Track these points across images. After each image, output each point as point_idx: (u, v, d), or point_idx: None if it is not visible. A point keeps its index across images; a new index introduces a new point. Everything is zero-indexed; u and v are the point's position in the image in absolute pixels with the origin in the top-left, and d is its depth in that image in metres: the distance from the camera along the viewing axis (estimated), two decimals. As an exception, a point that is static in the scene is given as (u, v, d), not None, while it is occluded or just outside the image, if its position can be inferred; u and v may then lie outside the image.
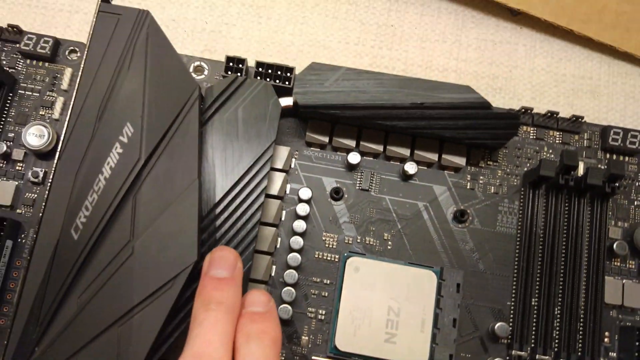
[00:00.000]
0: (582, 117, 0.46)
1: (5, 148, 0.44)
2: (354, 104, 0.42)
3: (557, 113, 0.46)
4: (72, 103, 0.38)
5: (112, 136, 0.37)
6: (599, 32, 0.50)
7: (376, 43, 0.52)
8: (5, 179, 0.44)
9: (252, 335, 0.30)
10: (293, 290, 0.41)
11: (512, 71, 0.51)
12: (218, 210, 0.38)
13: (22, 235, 0.43)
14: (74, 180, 0.36)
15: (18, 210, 0.43)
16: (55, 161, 0.37)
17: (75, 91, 0.39)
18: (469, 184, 0.45)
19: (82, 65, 0.39)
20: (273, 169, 0.43)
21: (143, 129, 0.37)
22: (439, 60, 0.51)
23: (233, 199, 0.39)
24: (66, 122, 0.38)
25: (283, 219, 0.43)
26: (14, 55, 0.47)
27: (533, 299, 0.42)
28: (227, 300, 0.31)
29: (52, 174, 0.37)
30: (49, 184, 0.37)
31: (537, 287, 0.42)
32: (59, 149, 0.37)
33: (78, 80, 0.39)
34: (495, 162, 0.46)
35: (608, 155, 0.46)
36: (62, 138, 0.38)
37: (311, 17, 0.52)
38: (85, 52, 0.40)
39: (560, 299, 0.42)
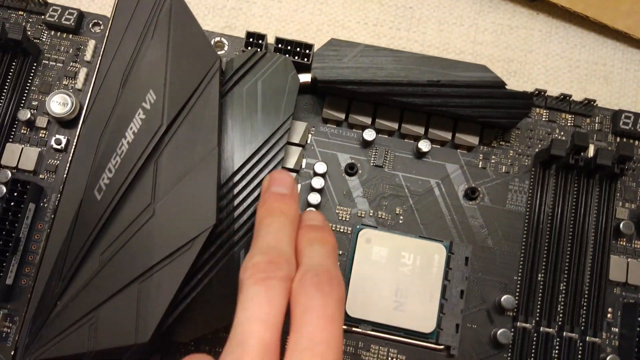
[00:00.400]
0: (594, 101, 0.46)
1: (29, 115, 0.44)
2: (372, 80, 0.42)
3: (570, 96, 0.46)
4: (96, 69, 0.39)
5: (135, 102, 0.38)
6: (614, 19, 0.50)
7: (394, 24, 0.52)
8: (29, 145, 0.45)
9: (314, 240, 0.31)
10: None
11: (527, 55, 0.51)
12: (236, 179, 0.39)
13: (45, 200, 0.44)
14: (97, 143, 0.37)
15: (41, 176, 0.44)
16: (80, 124, 0.38)
17: (100, 58, 0.39)
18: (481, 162, 0.45)
19: (107, 33, 0.40)
20: (290, 143, 0.44)
21: (165, 96, 0.38)
22: (456, 42, 0.51)
23: (251, 168, 0.39)
24: (91, 87, 0.39)
25: (299, 191, 0.44)
26: (39, 27, 0.47)
27: (539, 274, 0.42)
28: (289, 211, 0.32)
29: (76, 136, 0.37)
30: (73, 147, 0.37)
31: (543, 263, 0.42)
32: (84, 112, 0.38)
33: (102, 47, 0.40)
34: (508, 142, 0.46)
35: (618, 139, 0.46)
36: (87, 102, 0.38)
37: (330, -3, 0.52)
38: (110, 22, 0.40)
39: (565, 275, 0.42)
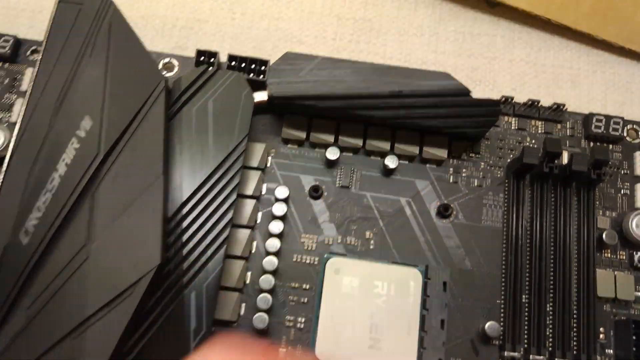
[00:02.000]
0: (564, 105, 0.41)
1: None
2: (331, 94, 0.36)
3: (538, 102, 0.41)
4: (27, 96, 0.33)
5: (69, 130, 0.32)
6: (576, 20, 0.45)
7: (354, 37, 0.46)
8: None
9: None
10: (269, 297, 0.35)
11: (491, 63, 0.46)
12: (185, 210, 0.33)
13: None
14: (26, 179, 0.30)
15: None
16: (7, 159, 0.31)
17: (31, 84, 0.33)
18: (451, 177, 0.40)
19: (39, 57, 0.34)
20: (248, 168, 0.38)
21: (102, 122, 0.32)
22: (417, 53, 0.46)
23: (202, 197, 0.33)
24: (20, 117, 0.32)
25: (259, 220, 0.38)
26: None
27: (524, 296, 0.37)
28: None
29: (2, 174, 0.31)
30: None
31: (527, 283, 0.37)
32: (10, 146, 0.31)
33: (34, 72, 0.33)
34: (478, 154, 0.40)
35: (592, 144, 0.41)
36: (14, 134, 0.32)
37: (287, 12, 0.47)
38: (44, 43, 0.34)
39: (551, 295, 0.37)
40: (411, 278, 0.35)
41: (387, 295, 0.35)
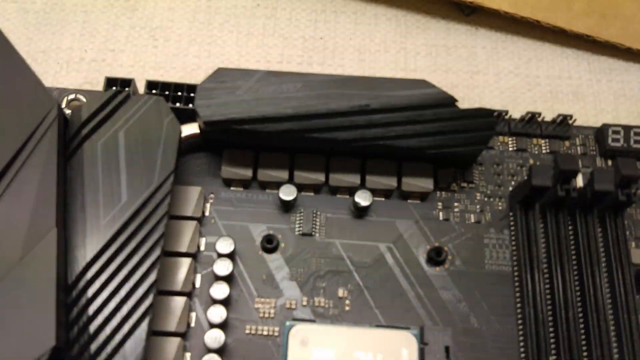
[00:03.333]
0: (571, 117, 0.37)
1: None
2: (278, 114, 0.32)
3: (539, 114, 0.37)
4: None
5: None
6: (569, 21, 0.43)
7: (304, 59, 0.43)
8: None
9: None
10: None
11: (474, 77, 0.43)
12: (90, 274, 0.27)
13: None
14: None
15: None
16: None
17: None
18: (441, 213, 0.35)
19: None
20: (179, 217, 0.33)
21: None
22: (383, 72, 0.43)
23: (113, 256, 0.28)
24: None
25: (198, 284, 0.32)
26: None
27: (551, 358, 0.31)
28: None
29: None
30: None
31: (552, 341, 0.32)
32: None
33: None
34: (471, 182, 0.36)
35: (609, 161, 0.37)
36: None
37: (220, 35, 0.43)
38: None
39: (585, 354, 0.31)
40: (403, 344, 0.30)
41: (374, 370, 0.29)
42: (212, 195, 0.35)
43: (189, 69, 0.42)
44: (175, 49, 0.43)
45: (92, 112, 0.31)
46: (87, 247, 0.27)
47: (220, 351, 0.30)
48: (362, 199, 0.34)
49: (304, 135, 0.32)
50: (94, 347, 0.26)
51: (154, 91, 0.35)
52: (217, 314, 0.30)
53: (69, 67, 0.42)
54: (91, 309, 0.26)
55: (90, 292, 0.27)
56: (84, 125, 0.30)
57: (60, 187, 0.28)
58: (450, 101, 0.33)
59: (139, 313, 0.27)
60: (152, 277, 0.28)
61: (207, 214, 0.34)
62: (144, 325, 0.27)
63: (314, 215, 0.35)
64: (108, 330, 0.26)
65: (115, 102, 0.32)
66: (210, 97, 0.32)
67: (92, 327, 0.26)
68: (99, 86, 0.41)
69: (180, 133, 0.32)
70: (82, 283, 0.27)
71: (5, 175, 0.27)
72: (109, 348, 0.26)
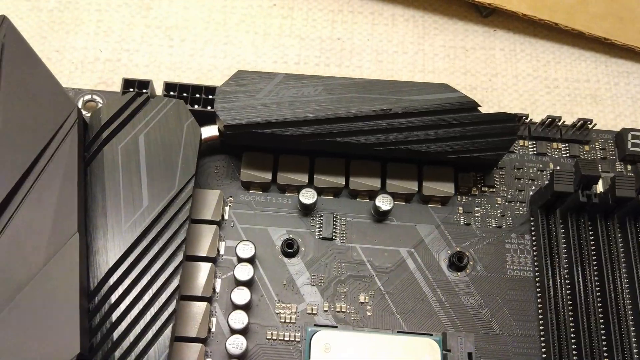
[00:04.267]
0: (590, 121, 0.37)
1: None
2: (299, 118, 0.32)
3: (559, 119, 0.37)
4: None
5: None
6: (587, 23, 0.42)
7: (321, 60, 0.42)
8: None
9: None
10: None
11: (493, 80, 0.42)
12: (113, 279, 0.27)
13: None
14: None
15: None
16: None
17: None
18: (462, 218, 0.35)
19: None
20: (198, 221, 0.32)
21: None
22: (401, 73, 0.42)
23: (135, 261, 0.28)
24: None
25: (218, 289, 0.32)
26: None
27: (573, 364, 0.31)
28: None
29: None
30: None
31: (574, 345, 0.31)
32: None
33: None
34: (491, 187, 0.36)
35: (629, 166, 0.37)
36: None
37: (236, 35, 0.43)
38: None
39: (607, 359, 0.31)
40: (426, 351, 0.30)
41: (397, 377, 0.29)
42: (230, 198, 0.35)
43: (205, 70, 0.42)
44: (190, 49, 0.42)
45: (112, 115, 0.31)
46: (108, 253, 0.27)
47: (241, 357, 0.30)
48: (383, 203, 0.34)
49: (325, 139, 0.32)
50: (117, 354, 0.25)
51: (171, 93, 0.35)
52: (238, 319, 0.30)
53: (83, 66, 0.41)
54: (114, 315, 0.26)
55: (113, 298, 0.26)
56: (104, 129, 0.30)
57: (81, 192, 0.27)
58: (473, 106, 0.33)
59: (162, 319, 0.27)
60: (175, 283, 0.28)
61: (226, 217, 0.34)
62: (168, 332, 0.26)
63: (334, 219, 0.34)
64: (132, 336, 0.26)
65: (135, 104, 0.31)
66: (230, 100, 0.32)
67: (116, 334, 0.26)
68: (114, 86, 0.41)
69: (201, 136, 0.32)
70: (104, 289, 0.27)
71: (27, 179, 0.27)
72: (132, 354, 0.25)
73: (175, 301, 0.27)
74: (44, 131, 0.28)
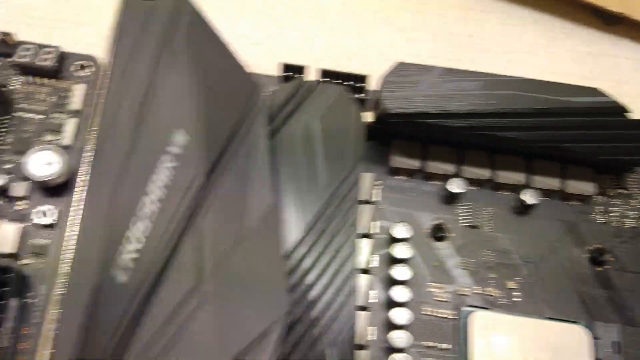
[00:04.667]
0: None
1: (2, 182, 0.35)
2: (462, 111, 0.34)
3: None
4: (103, 112, 0.30)
5: (156, 147, 0.28)
6: None
7: (453, 55, 0.44)
8: (7, 220, 0.34)
9: None
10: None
11: (621, 87, 0.44)
12: (302, 250, 0.29)
13: (31, 293, 0.33)
14: (108, 205, 0.27)
15: (25, 261, 0.33)
16: (85, 183, 0.28)
17: (105, 95, 0.30)
18: (600, 217, 0.37)
19: (112, 59, 0.31)
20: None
21: (200, 137, 0.29)
22: (532, 74, 0.43)
23: (319, 235, 0.30)
24: (96, 134, 0.29)
25: (376, 263, 0.34)
26: (6, 71, 0.38)
27: None
28: None
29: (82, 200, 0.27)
30: (70, 215, 0.27)
31: None
32: (91, 163, 0.28)
33: (107, 84, 0.30)
34: (625, 189, 0.38)
35: None
36: (92, 155, 0.29)
37: (369, 27, 0.45)
38: (113, 49, 0.31)
39: None
40: (577, 337, 0.32)
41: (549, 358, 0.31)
42: (379, 182, 0.37)
43: (346, 57, 0.44)
44: (331, 36, 0.44)
45: (286, 99, 0.33)
46: (294, 225, 0.30)
47: (404, 328, 0.32)
48: (529, 197, 0.35)
49: (485, 133, 0.34)
50: (312, 314, 0.28)
51: (328, 79, 0.37)
52: (402, 294, 0.32)
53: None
54: (307, 281, 0.28)
55: (303, 265, 0.29)
56: (280, 111, 0.32)
57: (270, 168, 0.30)
58: (621, 111, 0.35)
59: (347, 289, 0.29)
60: (353, 257, 0.30)
61: (376, 199, 0.36)
62: (352, 300, 0.29)
63: (479, 208, 0.36)
64: (321, 304, 0.28)
65: (303, 90, 0.33)
66: (394, 90, 0.34)
67: (310, 297, 0.28)
68: (259, 69, 0.43)
69: (363, 122, 0.34)
70: (294, 257, 0.29)
71: (226, 153, 0.29)
72: (325, 318, 0.28)
73: (355, 274, 0.29)
74: (237, 108, 0.30)
